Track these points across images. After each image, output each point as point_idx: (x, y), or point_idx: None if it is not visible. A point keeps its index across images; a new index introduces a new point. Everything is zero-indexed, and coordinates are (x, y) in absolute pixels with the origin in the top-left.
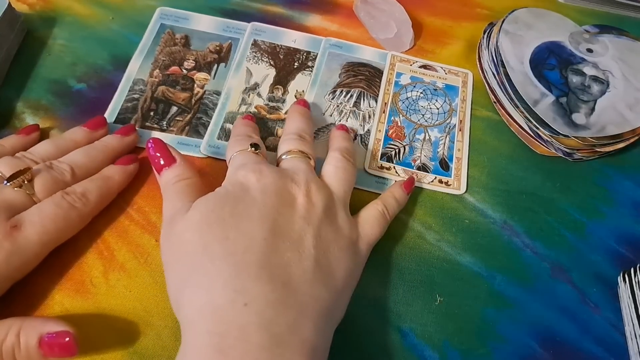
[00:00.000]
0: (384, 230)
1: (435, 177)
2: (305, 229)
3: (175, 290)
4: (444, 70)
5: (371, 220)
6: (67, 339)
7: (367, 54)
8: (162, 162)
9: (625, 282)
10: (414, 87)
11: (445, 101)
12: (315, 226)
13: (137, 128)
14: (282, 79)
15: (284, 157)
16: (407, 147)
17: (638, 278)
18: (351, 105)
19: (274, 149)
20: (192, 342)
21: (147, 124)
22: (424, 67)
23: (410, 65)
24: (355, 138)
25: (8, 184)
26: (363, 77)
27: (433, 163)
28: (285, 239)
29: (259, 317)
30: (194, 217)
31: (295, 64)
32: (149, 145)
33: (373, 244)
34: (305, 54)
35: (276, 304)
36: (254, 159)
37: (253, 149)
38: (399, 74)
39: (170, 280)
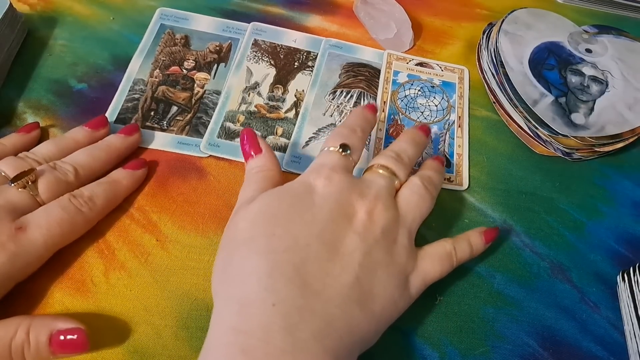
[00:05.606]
0: (445, 272)
1: None
2: (357, 244)
3: (216, 275)
4: (440, 67)
5: (434, 256)
6: (79, 335)
7: (366, 54)
8: (249, 151)
9: (625, 281)
10: (412, 84)
11: (443, 98)
12: (368, 244)
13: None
14: (282, 79)
15: (372, 168)
16: None
17: (637, 277)
18: (351, 106)
19: (273, 148)
20: (217, 337)
21: (148, 123)
22: (421, 64)
23: (407, 63)
24: None
25: (12, 184)
26: (363, 78)
27: None
28: (331, 250)
29: (284, 320)
30: (253, 208)
31: (296, 63)
32: (243, 134)
33: (429, 282)
34: (305, 54)
35: (303, 310)
36: (334, 162)
37: (341, 150)
38: (396, 73)
39: (216, 265)
